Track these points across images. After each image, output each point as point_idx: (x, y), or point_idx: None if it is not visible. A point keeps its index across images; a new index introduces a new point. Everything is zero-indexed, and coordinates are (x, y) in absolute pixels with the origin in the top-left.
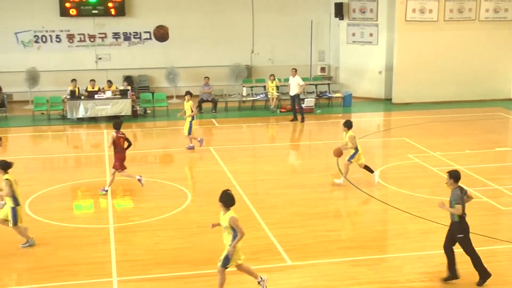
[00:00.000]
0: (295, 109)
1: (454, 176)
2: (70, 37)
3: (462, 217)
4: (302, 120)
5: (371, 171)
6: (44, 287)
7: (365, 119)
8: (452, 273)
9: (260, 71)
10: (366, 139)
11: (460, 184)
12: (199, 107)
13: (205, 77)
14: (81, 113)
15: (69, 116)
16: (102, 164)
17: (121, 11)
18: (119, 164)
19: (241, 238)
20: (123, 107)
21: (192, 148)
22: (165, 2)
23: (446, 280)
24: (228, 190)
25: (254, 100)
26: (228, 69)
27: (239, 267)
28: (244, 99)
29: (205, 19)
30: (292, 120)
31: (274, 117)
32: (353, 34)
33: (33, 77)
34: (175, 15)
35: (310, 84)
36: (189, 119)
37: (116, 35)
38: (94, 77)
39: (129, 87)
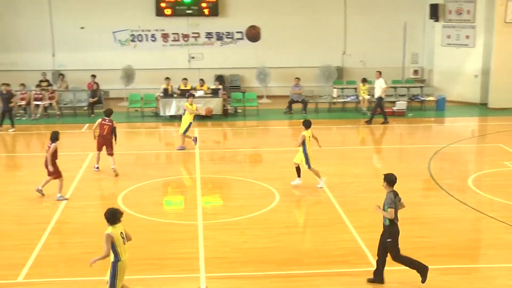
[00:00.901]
0: (383, 111)
1: (388, 179)
2: (165, 37)
3: (393, 221)
4: (369, 122)
5: (299, 175)
6: (134, 279)
7: (459, 123)
8: (378, 276)
9: (351, 72)
10: (460, 144)
11: (394, 189)
12: (289, 107)
13: (296, 78)
14: (173, 111)
15: (161, 113)
16: (192, 161)
17: (214, 11)
18: (97, 146)
19: (103, 257)
20: (214, 106)
21: (183, 148)
22: (257, 2)
23: (369, 280)
24: (112, 208)
25: (344, 102)
26: (318, 70)
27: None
28: (335, 100)
29: (297, 19)
30: (383, 123)
31: (364, 119)
32: (448, 36)
33: (128, 75)
34: (268, 16)
35: (402, 87)
36: (190, 118)
37: (209, 34)
38: (187, 75)
39: (220, 86)
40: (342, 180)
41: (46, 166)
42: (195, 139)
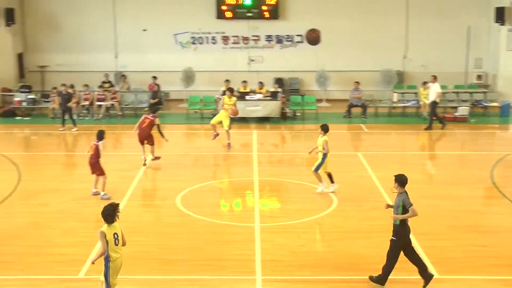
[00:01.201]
0: (438, 116)
1: (400, 180)
2: (225, 39)
3: (404, 221)
4: (429, 128)
5: (332, 181)
6: (191, 279)
7: None
8: (426, 275)
9: (412, 77)
10: None
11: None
12: (348, 111)
13: (355, 82)
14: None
15: None
16: (250, 163)
17: (274, 14)
18: (139, 139)
19: (101, 254)
20: (273, 109)
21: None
22: (318, 5)
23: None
24: (111, 206)
25: (405, 106)
26: (378, 74)
27: None
28: (395, 105)
29: (357, 23)
30: (426, 129)
31: (425, 125)
32: None
33: (189, 77)
34: (328, 19)
35: (464, 92)
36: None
37: (269, 37)
38: (246, 78)
39: (279, 89)
40: None
41: (91, 164)
42: (216, 135)
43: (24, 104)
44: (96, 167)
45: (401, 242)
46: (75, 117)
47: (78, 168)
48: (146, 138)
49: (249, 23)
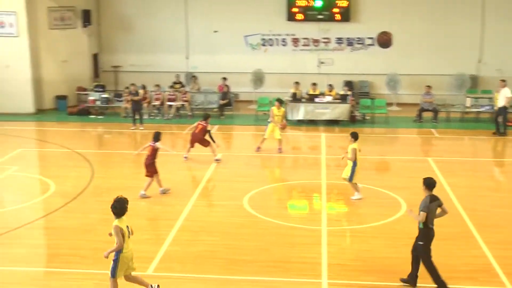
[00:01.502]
0: (505, 122)
1: (427, 183)
2: (295, 41)
3: (427, 225)
4: (503, 134)
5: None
6: (257, 280)
7: None
8: (412, 279)
9: (486, 81)
10: None
11: (434, 193)
12: (419, 116)
13: (427, 86)
14: (301, 115)
15: (289, 117)
16: (318, 166)
17: (346, 17)
18: (190, 143)
19: (116, 249)
20: (342, 112)
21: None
22: (390, 8)
23: (402, 280)
24: (121, 200)
25: (478, 111)
26: (451, 78)
27: (128, 278)
28: (468, 110)
29: (430, 26)
30: (494, 134)
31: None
32: None
33: (258, 79)
34: (400, 22)
35: None
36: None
37: (339, 40)
38: (316, 80)
39: (349, 92)
40: (473, 193)
41: (146, 165)
42: (258, 148)
43: (98, 103)
44: (151, 168)
45: (428, 243)
46: (145, 116)
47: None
48: (198, 142)
49: (320, 26)
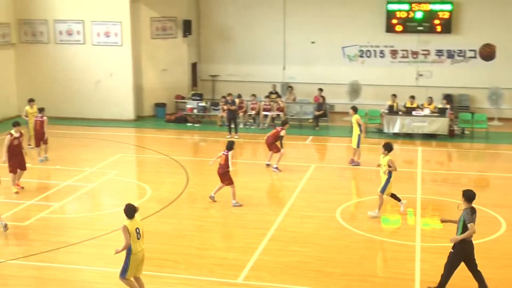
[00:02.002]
0: None
1: (467, 196)
2: (393, 53)
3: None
4: None
5: (398, 200)
6: None
7: None
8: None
9: None
10: None
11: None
12: None
13: None
14: (397, 128)
15: (385, 130)
16: (414, 180)
17: (447, 28)
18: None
19: (124, 247)
20: (440, 125)
21: (356, 164)
22: (494, 19)
23: None
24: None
25: None
26: None
27: (136, 280)
28: None
29: None
30: None
31: None
32: None
33: (355, 90)
34: (504, 33)
35: None
36: (357, 132)
37: (439, 52)
38: (413, 93)
39: (448, 106)
40: None
41: (220, 174)
42: (356, 163)
43: (195, 111)
44: (225, 177)
45: (459, 256)
46: (241, 126)
47: (239, 176)
48: (267, 145)
49: (420, 37)
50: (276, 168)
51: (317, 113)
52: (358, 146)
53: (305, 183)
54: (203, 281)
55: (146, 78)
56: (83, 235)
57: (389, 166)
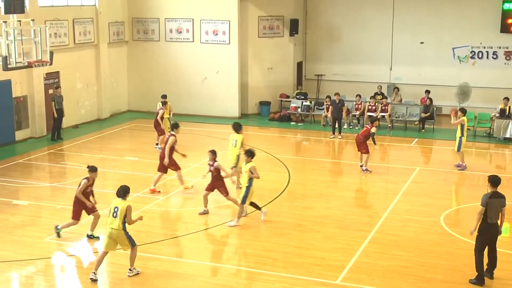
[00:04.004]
0: None
1: (492, 180)
2: (508, 54)
3: (484, 219)
4: None
5: (258, 208)
6: None
7: None
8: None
9: None
10: None
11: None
12: None
13: None
14: (508, 133)
15: (495, 134)
16: None
17: None
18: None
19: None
20: None
21: (462, 168)
22: None
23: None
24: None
25: None
26: None
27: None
28: None
29: None
30: None
31: None
32: None
33: (464, 92)
34: None
35: None
36: (459, 134)
37: None
38: None
39: None
40: None
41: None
42: (461, 166)
43: (299, 110)
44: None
45: (482, 238)
46: (345, 126)
47: (343, 176)
48: (358, 145)
49: None
50: (366, 169)
51: (423, 115)
52: (459, 150)
53: (409, 186)
54: (300, 280)
55: (251, 76)
56: (186, 229)
57: (251, 173)
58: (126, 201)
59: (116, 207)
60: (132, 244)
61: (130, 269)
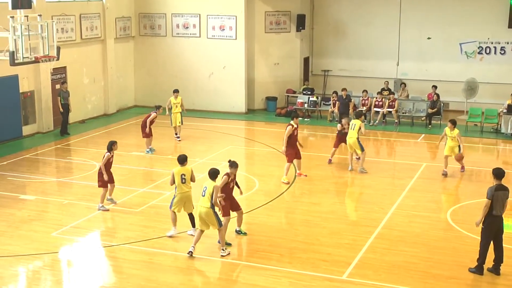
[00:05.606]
0: None
1: (495, 173)
2: None
3: (489, 212)
4: None
5: (193, 225)
6: None
7: None
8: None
9: None
10: None
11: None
12: None
13: None
14: None
15: (503, 130)
16: None
17: None
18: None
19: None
20: None
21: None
22: None
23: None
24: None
25: None
26: None
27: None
28: None
29: None
30: None
31: None
32: None
33: (471, 88)
34: None
35: None
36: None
37: None
38: None
39: None
40: None
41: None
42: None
43: (305, 105)
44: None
45: (488, 231)
46: None
47: (350, 172)
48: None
49: None
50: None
51: (430, 111)
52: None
53: (415, 182)
54: (307, 276)
55: (258, 72)
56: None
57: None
58: (214, 182)
59: (205, 186)
60: (220, 224)
61: (222, 249)
